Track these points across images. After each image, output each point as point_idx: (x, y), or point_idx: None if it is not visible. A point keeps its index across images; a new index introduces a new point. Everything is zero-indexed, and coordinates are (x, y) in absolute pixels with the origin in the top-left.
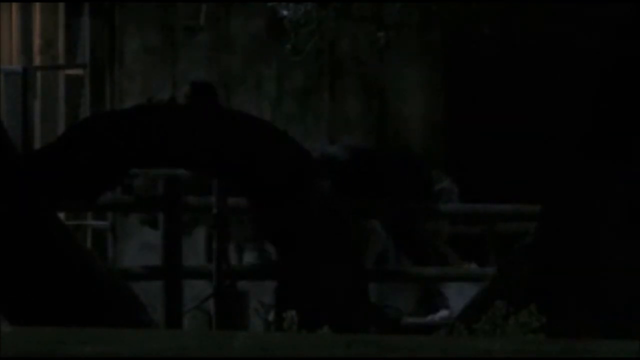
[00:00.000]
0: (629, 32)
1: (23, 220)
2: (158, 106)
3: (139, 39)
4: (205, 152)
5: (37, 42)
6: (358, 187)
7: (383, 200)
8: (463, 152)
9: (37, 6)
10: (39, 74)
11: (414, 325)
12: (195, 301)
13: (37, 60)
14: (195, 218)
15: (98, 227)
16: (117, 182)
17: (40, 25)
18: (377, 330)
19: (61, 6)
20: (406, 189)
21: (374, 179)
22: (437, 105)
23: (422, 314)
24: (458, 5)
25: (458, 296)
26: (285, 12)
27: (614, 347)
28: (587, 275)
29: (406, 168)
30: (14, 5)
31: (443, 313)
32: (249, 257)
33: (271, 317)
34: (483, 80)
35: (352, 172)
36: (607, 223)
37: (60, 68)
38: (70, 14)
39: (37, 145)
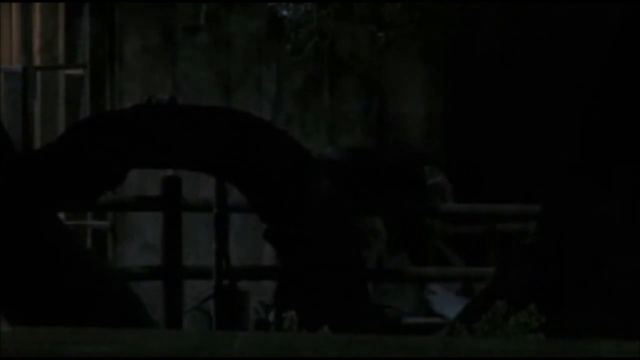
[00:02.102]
0: (628, 31)
1: (23, 220)
2: (158, 106)
3: (139, 39)
4: (205, 152)
5: (37, 42)
6: (354, 185)
7: (383, 198)
8: (463, 152)
9: (37, 6)
10: (39, 74)
11: (414, 325)
12: (195, 301)
13: (37, 60)
14: None
15: (98, 227)
16: (117, 182)
17: (40, 25)
18: (377, 330)
19: (61, 6)
20: (399, 185)
21: (369, 177)
22: (437, 105)
23: (422, 314)
24: (458, 5)
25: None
26: (285, 12)
27: (614, 347)
28: (587, 275)
29: (398, 164)
30: (14, 5)
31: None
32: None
33: (271, 317)
34: (483, 80)
35: (347, 172)
36: (607, 223)
37: (60, 68)
38: (70, 14)
39: (37, 145)
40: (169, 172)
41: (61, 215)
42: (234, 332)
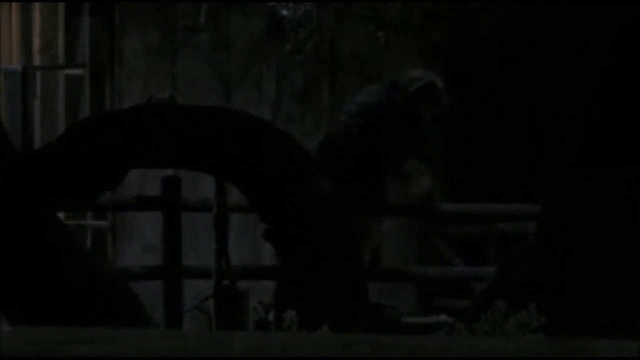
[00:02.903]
0: (629, 33)
1: (23, 220)
2: (158, 106)
3: (139, 39)
4: (205, 152)
5: (37, 42)
6: (368, 148)
7: (379, 196)
8: (463, 152)
9: (37, 6)
10: (39, 74)
11: (414, 325)
12: (195, 301)
13: (37, 60)
14: None
15: (98, 227)
16: (117, 182)
17: (40, 25)
18: (377, 330)
19: (61, 6)
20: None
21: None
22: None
23: (422, 314)
24: (458, 5)
25: None
26: (285, 12)
27: (614, 347)
28: (587, 275)
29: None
30: (14, 5)
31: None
32: None
33: (271, 317)
34: (483, 80)
35: (358, 145)
36: (608, 223)
37: (60, 68)
38: (70, 14)
39: (37, 145)
40: (169, 172)
41: (61, 215)
42: (234, 332)
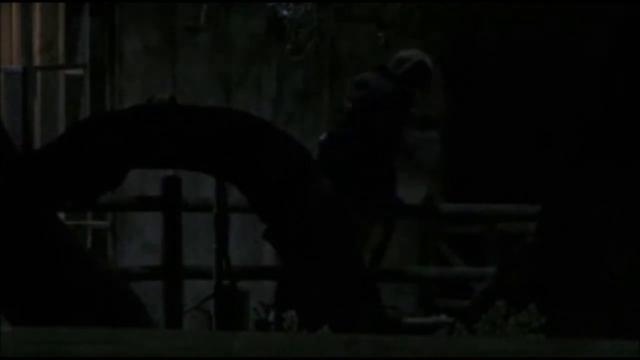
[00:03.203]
0: (630, 31)
1: (23, 220)
2: (158, 106)
3: (139, 39)
4: (205, 152)
5: (37, 42)
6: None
7: (379, 196)
8: (463, 152)
9: (37, 6)
10: (39, 74)
11: (414, 325)
12: (195, 301)
13: (37, 60)
14: None
15: (98, 227)
16: (117, 182)
17: (40, 25)
18: (377, 330)
19: (61, 6)
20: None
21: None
22: (437, 105)
23: (422, 314)
24: (458, 5)
25: None
26: (285, 12)
27: (614, 347)
28: (587, 275)
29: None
30: (14, 5)
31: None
32: None
33: (271, 317)
34: (483, 80)
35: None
36: (608, 223)
37: (60, 68)
38: (70, 14)
39: (37, 145)
40: (169, 172)
41: (61, 215)
42: (234, 332)
